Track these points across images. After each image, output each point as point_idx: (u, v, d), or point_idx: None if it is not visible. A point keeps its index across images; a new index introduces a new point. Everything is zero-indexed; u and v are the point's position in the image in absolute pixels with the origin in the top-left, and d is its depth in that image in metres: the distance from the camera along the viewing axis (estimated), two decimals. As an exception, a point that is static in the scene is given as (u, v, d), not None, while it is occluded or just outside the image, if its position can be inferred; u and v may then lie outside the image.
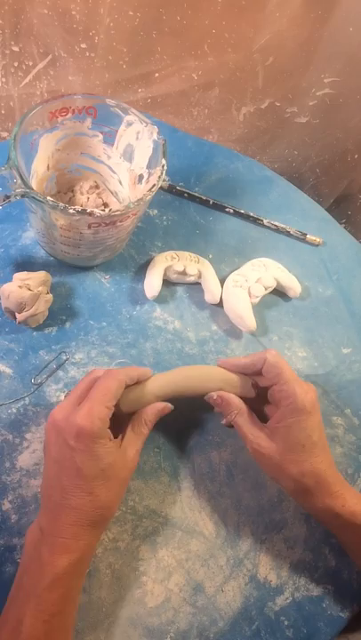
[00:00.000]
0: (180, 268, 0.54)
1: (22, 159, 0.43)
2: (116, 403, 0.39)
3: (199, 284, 0.56)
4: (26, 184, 0.40)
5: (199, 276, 0.55)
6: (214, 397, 0.44)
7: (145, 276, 0.54)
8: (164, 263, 0.54)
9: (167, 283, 0.55)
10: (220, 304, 0.55)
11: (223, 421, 0.45)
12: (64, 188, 0.55)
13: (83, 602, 0.41)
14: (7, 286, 0.47)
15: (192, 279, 0.55)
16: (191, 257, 0.55)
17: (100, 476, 0.36)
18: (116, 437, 0.39)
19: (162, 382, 0.43)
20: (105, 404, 0.37)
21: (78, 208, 0.41)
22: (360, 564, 0.44)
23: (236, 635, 0.43)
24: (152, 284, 0.53)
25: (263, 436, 0.41)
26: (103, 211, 0.41)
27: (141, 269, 0.55)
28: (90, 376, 0.41)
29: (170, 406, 0.43)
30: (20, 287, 0.47)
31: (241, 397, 0.44)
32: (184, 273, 0.54)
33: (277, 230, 0.63)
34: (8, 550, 0.42)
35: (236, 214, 0.63)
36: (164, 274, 0.54)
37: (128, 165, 0.51)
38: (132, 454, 0.39)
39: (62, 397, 0.48)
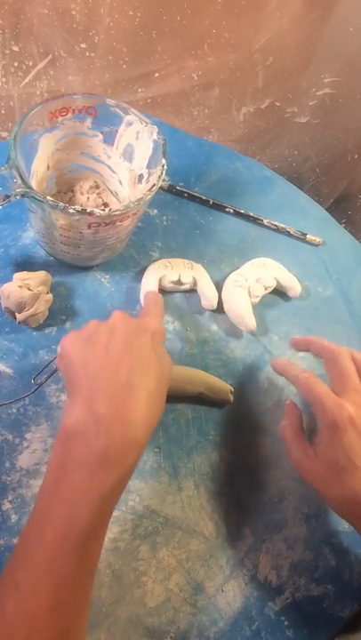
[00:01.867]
0: (175, 277, 0.53)
1: (22, 159, 0.43)
2: None
3: (195, 290, 0.56)
4: (26, 184, 0.40)
5: (194, 284, 0.55)
6: (279, 432, 0.44)
7: (140, 287, 0.54)
8: (158, 272, 0.54)
9: (163, 293, 0.55)
10: (219, 306, 0.55)
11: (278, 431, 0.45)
12: (64, 187, 0.55)
13: (83, 602, 0.41)
14: (7, 286, 0.47)
15: (187, 287, 0.55)
16: (185, 263, 0.55)
17: (168, 366, 0.39)
18: None
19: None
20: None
21: (78, 208, 0.41)
22: None
23: (237, 635, 0.43)
24: None
25: (308, 452, 0.41)
26: (103, 210, 0.41)
27: (141, 269, 0.55)
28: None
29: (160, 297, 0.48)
30: (20, 287, 0.47)
31: (219, 402, 0.49)
32: (179, 282, 0.54)
33: (277, 230, 0.63)
34: (8, 550, 0.42)
35: (236, 214, 0.63)
36: (159, 284, 0.54)
37: (128, 165, 0.51)
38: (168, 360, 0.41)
39: (63, 397, 0.48)
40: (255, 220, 0.63)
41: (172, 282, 0.54)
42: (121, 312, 0.41)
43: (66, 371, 0.38)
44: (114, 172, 0.53)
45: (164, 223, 0.60)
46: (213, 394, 0.49)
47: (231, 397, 0.50)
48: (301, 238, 0.63)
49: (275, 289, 0.58)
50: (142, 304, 0.50)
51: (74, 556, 0.30)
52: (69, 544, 0.30)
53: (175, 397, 0.49)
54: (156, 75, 0.72)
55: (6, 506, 0.43)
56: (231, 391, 0.50)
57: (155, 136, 0.46)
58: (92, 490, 0.32)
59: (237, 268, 0.58)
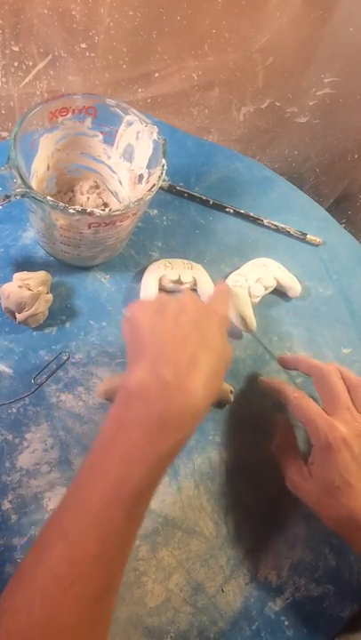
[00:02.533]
0: (175, 277, 0.53)
1: (22, 159, 0.43)
2: (107, 391, 0.43)
3: (195, 290, 0.56)
4: (26, 184, 0.40)
5: (194, 283, 0.55)
6: (273, 448, 0.45)
7: (140, 287, 0.54)
8: (158, 272, 0.54)
9: (163, 292, 0.55)
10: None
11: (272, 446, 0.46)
12: (64, 187, 0.55)
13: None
14: (7, 286, 0.47)
15: (187, 287, 0.55)
16: (184, 264, 0.55)
17: (229, 348, 0.41)
18: None
19: None
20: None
21: (78, 208, 0.41)
22: None
23: (237, 635, 0.43)
24: (148, 295, 0.53)
25: (301, 474, 0.41)
26: (103, 211, 0.41)
27: (141, 269, 0.55)
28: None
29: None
30: (20, 287, 0.47)
31: (222, 401, 0.48)
32: (179, 282, 0.54)
33: (277, 230, 0.63)
34: (8, 550, 0.42)
35: (236, 214, 0.63)
36: (159, 283, 0.54)
37: (128, 165, 0.51)
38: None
39: (63, 397, 0.48)
40: (255, 220, 0.63)
41: (172, 282, 0.54)
42: (191, 292, 0.43)
43: (131, 334, 0.39)
44: (114, 172, 0.53)
45: (164, 223, 0.60)
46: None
47: (231, 398, 0.50)
48: (301, 238, 0.63)
49: (275, 289, 0.58)
50: (213, 291, 0.51)
51: (122, 512, 0.31)
52: (120, 500, 0.31)
53: None
54: (156, 75, 0.72)
55: (6, 506, 0.43)
56: (231, 391, 0.50)
57: (155, 136, 0.46)
58: (148, 451, 0.32)
59: (237, 268, 0.58)
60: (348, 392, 0.42)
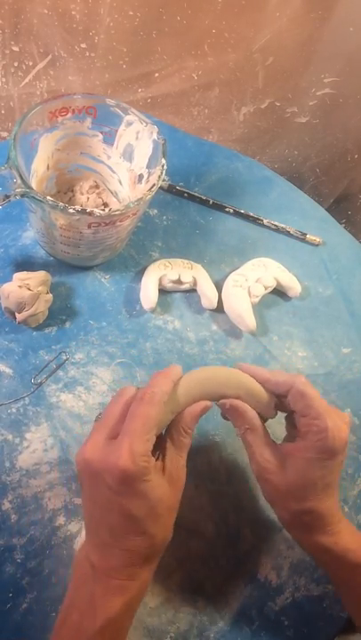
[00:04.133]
0: (175, 277, 0.54)
1: (22, 159, 0.43)
2: None
3: (195, 290, 0.56)
4: (26, 184, 0.40)
5: (194, 283, 0.55)
6: (227, 406, 0.38)
7: (140, 286, 0.54)
8: (158, 272, 0.54)
9: (163, 292, 0.55)
10: (219, 306, 0.55)
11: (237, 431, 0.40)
12: (64, 187, 0.55)
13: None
14: (7, 286, 0.47)
15: (187, 287, 0.55)
16: (184, 263, 0.55)
17: (152, 514, 0.33)
18: (153, 455, 0.34)
19: (188, 385, 0.38)
20: (146, 437, 0.32)
21: (78, 208, 0.41)
22: (345, 601, 0.41)
23: (236, 635, 0.43)
24: (148, 295, 0.53)
25: (274, 461, 0.37)
26: (103, 210, 0.41)
27: (141, 269, 0.55)
28: (121, 399, 0.36)
29: (209, 404, 0.37)
30: (19, 287, 0.47)
31: (259, 413, 0.39)
32: (179, 281, 0.54)
33: (277, 230, 0.63)
34: (8, 550, 0.42)
35: (236, 214, 0.63)
36: (159, 283, 0.54)
37: (128, 165, 0.51)
38: (178, 474, 0.35)
39: (63, 396, 0.48)
40: (255, 220, 0.63)
41: (172, 281, 0.54)
42: (91, 438, 0.35)
43: (82, 490, 0.37)
44: (114, 172, 0.53)
45: (164, 223, 0.60)
46: (254, 404, 0.39)
47: (275, 413, 0.41)
48: (301, 238, 0.63)
49: (275, 289, 0.58)
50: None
51: None
52: None
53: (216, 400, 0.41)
54: (156, 75, 0.72)
55: (6, 506, 0.43)
56: (276, 404, 0.40)
57: (155, 136, 0.46)
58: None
59: (237, 267, 0.58)
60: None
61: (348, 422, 0.37)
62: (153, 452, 0.34)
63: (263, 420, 0.40)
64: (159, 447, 0.36)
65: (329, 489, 0.36)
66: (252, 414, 0.38)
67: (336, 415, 0.36)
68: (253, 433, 0.38)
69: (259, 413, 0.39)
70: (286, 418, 0.41)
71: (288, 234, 0.63)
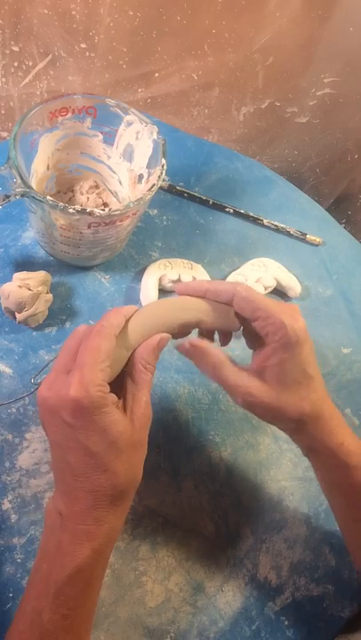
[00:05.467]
0: (175, 277, 0.54)
1: (22, 159, 0.43)
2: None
3: None
4: (26, 184, 0.40)
5: None
6: (187, 346, 0.36)
7: (140, 286, 0.54)
8: (158, 272, 0.54)
9: (163, 292, 0.55)
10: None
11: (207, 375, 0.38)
12: (64, 187, 0.55)
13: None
14: (7, 286, 0.47)
15: None
16: (184, 264, 0.55)
17: (112, 449, 0.31)
18: (119, 398, 0.33)
19: (142, 319, 0.36)
20: (98, 367, 0.31)
21: (78, 208, 0.41)
22: (340, 517, 0.40)
23: (236, 635, 0.43)
24: (148, 295, 0.53)
25: (253, 384, 0.35)
26: (103, 210, 0.41)
27: (141, 269, 0.55)
28: (74, 337, 0.34)
29: (166, 336, 0.35)
30: (19, 287, 0.47)
31: (224, 330, 0.38)
32: (179, 281, 0.54)
33: (277, 230, 0.63)
34: (8, 550, 0.42)
35: (236, 214, 0.63)
36: (159, 283, 0.54)
37: (128, 165, 0.51)
38: (141, 410, 0.33)
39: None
40: (255, 220, 0.63)
41: (172, 281, 0.54)
42: (51, 373, 0.34)
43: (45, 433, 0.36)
44: (114, 172, 0.53)
45: (164, 223, 0.60)
46: (215, 320, 0.38)
47: (238, 322, 0.38)
48: (301, 238, 0.63)
49: (275, 289, 0.58)
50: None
51: (52, 614, 0.31)
52: (49, 606, 0.31)
53: (174, 331, 0.38)
54: (156, 75, 0.72)
55: (6, 505, 0.43)
56: (236, 313, 0.38)
57: (154, 136, 0.46)
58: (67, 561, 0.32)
59: (237, 267, 0.58)
60: None
61: (299, 310, 0.36)
62: (114, 392, 0.33)
63: (229, 338, 0.39)
64: (120, 387, 0.35)
65: (314, 382, 0.35)
66: (215, 350, 0.36)
67: (287, 308, 0.35)
68: (222, 367, 0.36)
69: (224, 331, 0.37)
70: (244, 335, 0.39)
71: (288, 234, 0.63)
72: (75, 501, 0.32)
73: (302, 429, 0.37)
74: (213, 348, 0.37)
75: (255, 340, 0.38)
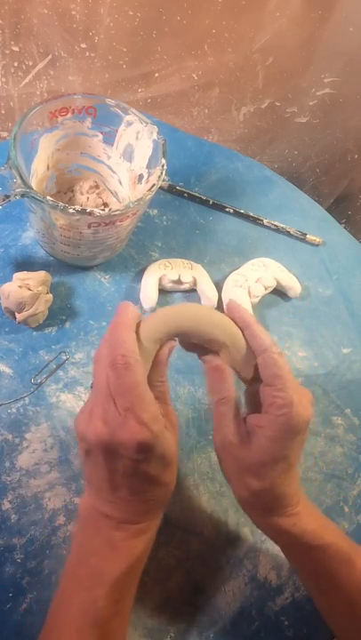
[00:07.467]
0: (175, 277, 0.54)
1: (22, 159, 0.43)
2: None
3: (195, 290, 0.56)
4: (26, 184, 0.40)
5: (194, 283, 0.55)
6: (213, 364, 0.36)
7: (140, 286, 0.54)
8: (158, 272, 0.54)
9: (163, 292, 0.55)
10: (219, 306, 0.55)
11: (210, 393, 0.37)
12: (64, 187, 0.55)
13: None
14: (7, 286, 0.47)
15: (187, 287, 0.55)
16: (184, 263, 0.55)
17: (168, 467, 0.33)
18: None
19: (179, 319, 0.35)
20: (147, 401, 0.32)
21: (78, 208, 0.41)
22: (306, 585, 0.41)
23: (237, 635, 0.43)
24: (148, 294, 0.53)
25: (238, 437, 0.35)
26: (103, 210, 0.41)
27: (141, 269, 0.55)
28: (99, 367, 0.34)
29: (173, 344, 0.36)
30: (19, 287, 0.47)
31: (235, 371, 0.37)
32: (179, 281, 0.54)
33: (277, 230, 0.63)
34: (8, 550, 0.42)
35: (236, 214, 0.63)
36: (159, 283, 0.54)
37: (128, 165, 0.51)
38: (174, 421, 0.36)
39: (62, 396, 0.48)
40: (255, 220, 0.63)
41: (172, 281, 0.54)
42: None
43: (83, 457, 0.36)
44: (114, 172, 0.53)
45: (164, 223, 0.60)
46: (235, 356, 0.36)
47: (252, 374, 0.36)
48: (301, 238, 0.63)
49: (275, 289, 0.58)
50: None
51: (95, 632, 0.32)
52: (88, 624, 0.32)
53: (194, 338, 0.37)
54: (156, 75, 0.72)
55: (6, 506, 0.43)
56: (255, 367, 0.36)
57: (154, 136, 0.46)
58: (106, 571, 0.33)
59: (237, 267, 0.58)
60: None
61: (312, 401, 0.35)
62: None
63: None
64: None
65: (291, 469, 0.35)
66: (231, 383, 0.36)
67: (302, 393, 0.34)
68: (227, 405, 0.36)
69: (235, 371, 0.36)
70: (246, 391, 0.39)
71: (288, 234, 0.63)
72: (128, 510, 0.34)
73: (255, 504, 0.36)
74: (231, 379, 0.36)
75: (250, 401, 0.38)
